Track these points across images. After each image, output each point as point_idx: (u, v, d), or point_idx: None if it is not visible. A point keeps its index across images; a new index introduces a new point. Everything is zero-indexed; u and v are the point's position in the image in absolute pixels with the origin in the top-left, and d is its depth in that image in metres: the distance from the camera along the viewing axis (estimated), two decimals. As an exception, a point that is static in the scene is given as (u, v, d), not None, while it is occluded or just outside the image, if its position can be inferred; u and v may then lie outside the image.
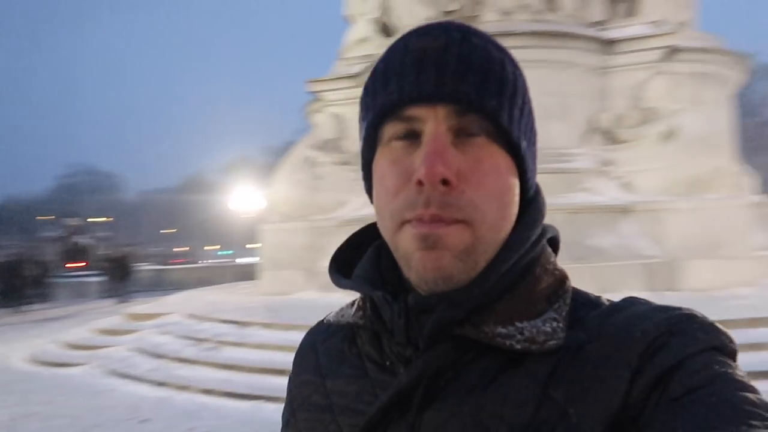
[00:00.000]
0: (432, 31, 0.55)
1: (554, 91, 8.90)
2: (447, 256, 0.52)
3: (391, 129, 0.56)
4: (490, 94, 0.53)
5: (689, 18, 10.41)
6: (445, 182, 0.51)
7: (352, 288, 0.61)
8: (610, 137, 9.55)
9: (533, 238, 0.58)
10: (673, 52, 9.42)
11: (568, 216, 7.69)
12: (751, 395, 0.45)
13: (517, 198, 0.57)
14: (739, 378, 0.47)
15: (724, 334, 0.51)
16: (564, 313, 0.55)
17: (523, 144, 0.56)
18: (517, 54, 0.60)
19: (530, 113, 0.59)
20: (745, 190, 9.04)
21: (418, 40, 0.55)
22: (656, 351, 0.49)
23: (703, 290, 7.37)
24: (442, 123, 0.53)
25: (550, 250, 0.61)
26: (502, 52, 0.57)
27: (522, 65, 0.59)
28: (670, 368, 0.47)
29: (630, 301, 0.56)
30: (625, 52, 9.67)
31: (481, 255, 0.54)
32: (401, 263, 0.57)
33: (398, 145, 0.55)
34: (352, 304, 0.65)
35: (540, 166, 0.64)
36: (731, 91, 10.14)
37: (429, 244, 0.52)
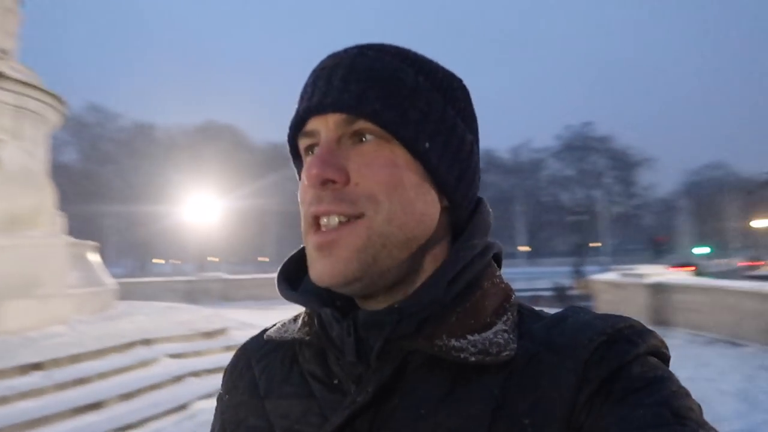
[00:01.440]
0: (336, 52, 0.61)
1: None
2: (341, 260, 0.54)
3: (301, 144, 0.60)
4: (372, 98, 0.55)
5: (12, 47, 10.02)
6: (332, 182, 0.55)
7: (299, 302, 0.60)
8: None
9: (479, 248, 0.59)
10: (-4, 77, 8.79)
11: None
12: (686, 399, 0.49)
13: (427, 199, 0.57)
14: (675, 382, 0.51)
15: (660, 340, 0.56)
16: (513, 325, 0.57)
17: (425, 145, 0.57)
18: None
19: (443, 120, 0.59)
20: (61, 230, 9.30)
21: (322, 62, 0.60)
22: (600, 358, 0.51)
23: (18, 331, 7.03)
24: (333, 131, 0.56)
25: (495, 264, 0.63)
26: (405, 61, 0.59)
27: None
28: (611, 373, 0.50)
29: (573, 310, 0.59)
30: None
31: (380, 250, 0.54)
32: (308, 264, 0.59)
33: (307, 158, 0.60)
34: (296, 319, 0.64)
35: None
36: (50, 131, 10.32)
37: (325, 252, 0.55)
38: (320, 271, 0.55)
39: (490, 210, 0.64)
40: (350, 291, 0.57)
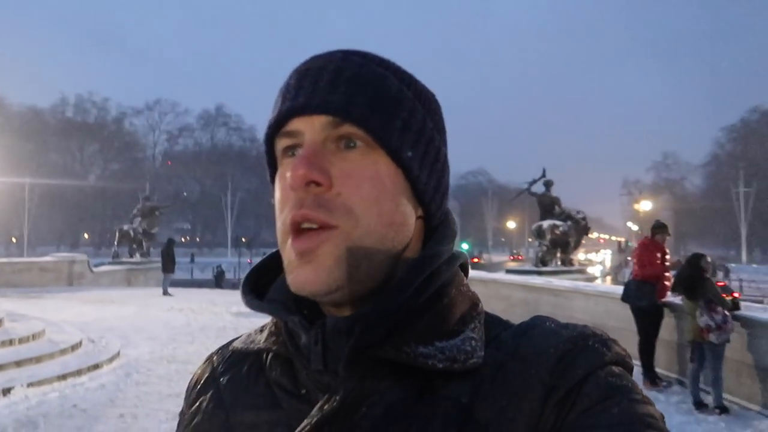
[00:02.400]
0: (319, 55, 0.60)
1: None
2: (321, 268, 0.53)
3: (280, 145, 0.58)
4: (360, 103, 0.55)
5: None
6: (315, 185, 0.53)
7: (265, 312, 0.59)
8: None
9: (445, 255, 0.59)
10: None
11: None
12: (649, 408, 0.50)
13: (406, 209, 0.58)
14: (638, 391, 0.52)
15: (623, 349, 0.56)
16: (480, 333, 0.57)
17: (408, 153, 0.57)
18: None
19: (423, 131, 0.59)
20: None
21: (305, 63, 0.60)
22: (565, 367, 0.52)
23: None
24: (318, 133, 0.55)
25: (462, 273, 0.63)
26: (389, 70, 0.59)
27: None
28: (577, 382, 0.51)
29: (539, 319, 0.59)
30: None
31: (362, 261, 0.54)
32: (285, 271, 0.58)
33: (286, 159, 0.58)
34: (262, 329, 0.64)
35: None
36: None
37: (305, 259, 0.54)
38: (302, 278, 0.54)
39: (455, 219, 0.65)
40: (329, 300, 0.55)
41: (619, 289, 7.93)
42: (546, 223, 19.28)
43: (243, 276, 0.64)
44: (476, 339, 0.55)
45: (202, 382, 0.67)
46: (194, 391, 0.67)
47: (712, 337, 5.80)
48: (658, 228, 7.47)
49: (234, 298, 15.25)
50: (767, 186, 43.13)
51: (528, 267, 21.38)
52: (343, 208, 0.53)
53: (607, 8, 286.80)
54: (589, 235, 24.05)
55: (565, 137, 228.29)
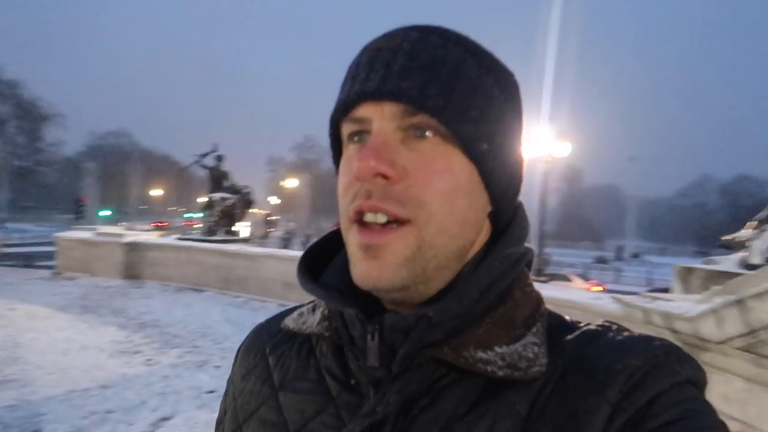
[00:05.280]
0: (393, 32, 0.55)
1: None
2: (389, 266, 0.51)
3: (346, 129, 0.56)
4: (435, 91, 0.51)
5: None
6: (383, 177, 0.51)
7: (321, 297, 0.58)
8: None
9: (516, 256, 0.56)
10: None
11: None
12: (720, 430, 0.47)
13: (479, 206, 0.55)
14: (711, 412, 0.48)
15: (699, 366, 0.52)
16: (542, 337, 0.54)
17: (483, 146, 0.53)
18: None
19: (501, 120, 0.55)
20: None
21: (377, 40, 0.55)
22: (635, 385, 0.48)
23: None
24: (388, 121, 0.52)
25: (527, 272, 0.60)
26: (468, 51, 0.55)
27: None
28: (647, 402, 0.47)
29: (607, 327, 0.56)
30: None
31: (430, 261, 0.52)
32: (349, 261, 0.55)
33: (352, 145, 0.55)
34: (314, 309, 0.63)
35: None
36: None
37: (371, 254, 0.51)
38: (365, 273, 0.52)
39: (527, 215, 0.61)
40: (391, 297, 0.54)
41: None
42: (216, 196, 20.61)
43: None
44: (539, 344, 0.53)
45: (252, 353, 0.68)
46: (244, 362, 0.68)
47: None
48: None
49: None
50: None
51: (197, 236, 22.31)
52: (416, 201, 0.51)
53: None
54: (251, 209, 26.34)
55: (220, 112, 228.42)
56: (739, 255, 3.70)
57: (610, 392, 0.48)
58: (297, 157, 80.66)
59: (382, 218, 0.51)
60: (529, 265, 0.60)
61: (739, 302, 2.70)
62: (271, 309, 10.29)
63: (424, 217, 0.51)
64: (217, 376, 6.22)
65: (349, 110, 0.54)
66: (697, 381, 0.51)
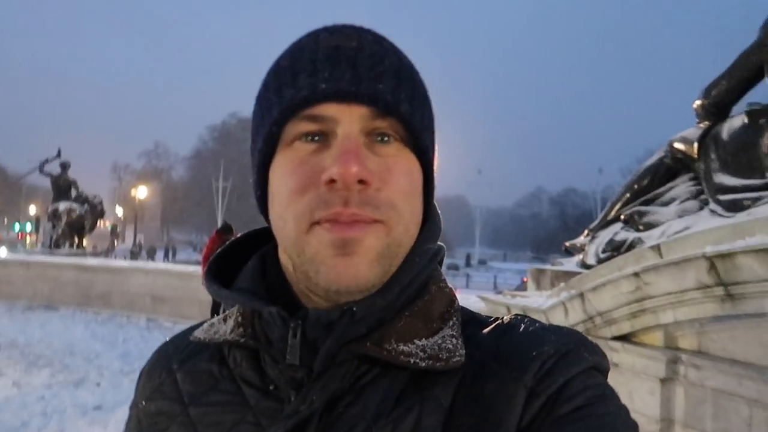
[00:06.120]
0: (344, 30, 0.54)
1: None
2: (364, 262, 0.50)
3: (295, 128, 0.52)
4: (403, 97, 0.52)
5: None
6: (361, 182, 0.50)
7: (237, 302, 0.57)
8: None
9: (431, 253, 0.58)
10: None
11: None
12: (626, 416, 0.50)
13: (422, 207, 0.57)
14: (615, 397, 0.52)
15: (603, 353, 0.55)
16: (458, 330, 0.56)
17: (430, 153, 0.56)
18: None
19: (433, 128, 0.58)
20: None
21: (330, 37, 0.53)
22: (549, 371, 0.51)
23: None
24: (357, 123, 0.51)
25: (440, 269, 0.62)
26: (408, 59, 0.57)
27: None
28: (559, 388, 0.50)
29: (519, 320, 0.58)
30: None
31: (395, 259, 0.53)
32: (304, 268, 0.52)
33: (304, 146, 0.52)
34: (225, 318, 0.61)
35: None
36: None
37: (346, 250, 0.50)
38: (340, 272, 0.50)
39: (440, 213, 0.63)
40: (355, 298, 0.52)
41: (173, 266, 9.64)
42: (62, 206, 19.03)
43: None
44: (456, 336, 0.54)
45: (156, 373, 0.64)
46: (149, 383, 0.64)
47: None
48: (226, 228, 8.64)
49: None
50: (241, 181, 51.13)
51: (39, 250, 20.28)
52: (388, 203, 0.51)
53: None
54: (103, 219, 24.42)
55: (57, 115, 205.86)
56: (579, 257, 4.66)
57: (527, 378, 0.50)
58: (146, 165, 75.80)
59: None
60: (440, 261, 0.61)
61: (581, 295, 3.54)
62: (141, 324, 9.90)
63: (395, 218, 0.52)
64: (100, 393, 6.06)
65: (304, 108, 0.51)
66: (602, 367, 0.54)
